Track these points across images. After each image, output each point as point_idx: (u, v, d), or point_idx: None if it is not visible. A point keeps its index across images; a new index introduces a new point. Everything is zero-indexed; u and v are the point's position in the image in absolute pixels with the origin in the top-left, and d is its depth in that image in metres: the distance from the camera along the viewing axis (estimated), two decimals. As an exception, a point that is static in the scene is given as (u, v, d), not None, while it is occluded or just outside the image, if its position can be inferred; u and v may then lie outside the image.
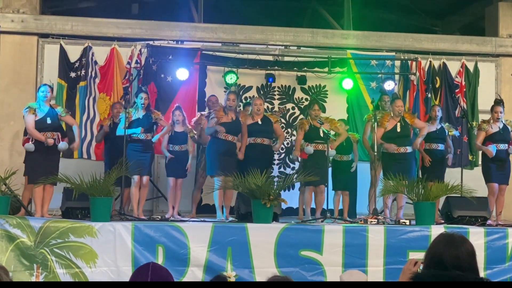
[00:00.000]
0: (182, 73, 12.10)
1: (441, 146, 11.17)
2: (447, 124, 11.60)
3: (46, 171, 9.53)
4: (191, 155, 10.75)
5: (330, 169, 11.16)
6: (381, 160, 10.84)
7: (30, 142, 9.79)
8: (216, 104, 11.38)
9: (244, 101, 12.53)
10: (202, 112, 11.49)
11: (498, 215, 10.72)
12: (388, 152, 10.68)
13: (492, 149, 10.63)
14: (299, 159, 11.18)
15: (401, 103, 10.94)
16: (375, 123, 10.61)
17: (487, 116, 11.31)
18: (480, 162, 12.71)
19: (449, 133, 11.31)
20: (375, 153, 10.65)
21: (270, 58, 12.90)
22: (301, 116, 12.74)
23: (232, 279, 8.49)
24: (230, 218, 10.14)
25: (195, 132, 10.98)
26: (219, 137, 10.31)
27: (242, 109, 11.38)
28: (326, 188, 10.50)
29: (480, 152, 11.33)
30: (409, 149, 10.69)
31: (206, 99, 12.17)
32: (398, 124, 10.71)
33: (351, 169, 11.27)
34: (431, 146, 11.11)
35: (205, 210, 11.77)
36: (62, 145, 9.85)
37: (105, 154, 11.28)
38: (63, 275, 8.47)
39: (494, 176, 10.71)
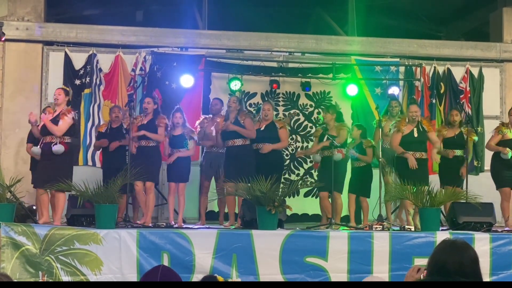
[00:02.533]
0: (186, 80, 12.11)
1: (458, 152, 10.91)
2: (467, 128, 11.08)
3: (51, 177, 9.49)
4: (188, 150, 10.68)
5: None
6: (395, 166, 10.77)
7: (38, 147, 9.82)
8: (219, 107, 11.31)
9: (248, 107, 12.55)
10: (206, 116, 11.45)
11: (507, 220, 10.67)
12: (403, 158, 10.52)
13: (504, 156, 10.59)
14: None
15: (415, 109, 10.59)
16: (380, 128, 10.60)
17: (491, 122, 11.27)
18: (485, 168, 12.73)
19: (469, 138, 10.93)
20: (381, 159, 10.62)
21: (274, 64, 12.92)
22: (306, 123, 12.79)
23: (237, 286, 8.48)
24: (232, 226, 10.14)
25: (194, 136, 10.86)
26: (226, 144, 10.33)
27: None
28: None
29: (491, 156, 11.10)
30: (424, 155, 10.54)
31: (210, 104, 12.02)
32: (415, 129, 10.49)
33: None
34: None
35: (209, 217, 11.76)
36: (56, 147, 9.60)
37: (103, 160, 11.21)
38: (69, 283, 8.48)
39: (505, 180, 10.65)
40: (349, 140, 11.02)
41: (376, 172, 11.25)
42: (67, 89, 10.16)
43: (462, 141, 10.91)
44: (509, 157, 10.53)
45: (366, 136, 11.30)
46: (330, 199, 10.59)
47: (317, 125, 12.35)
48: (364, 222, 10.96)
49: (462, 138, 10.92)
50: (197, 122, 11.31)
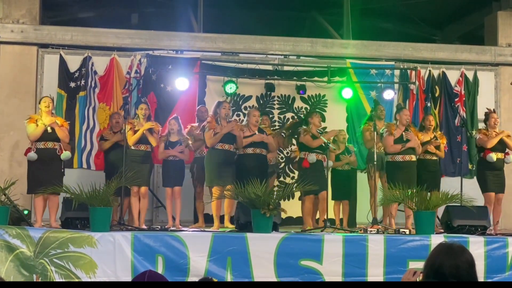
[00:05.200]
0: (181, 83, 12.12)
1: (435, 156, 11.12)
2: (439, 132, 11.50)
3: (46, 181, 9.52)
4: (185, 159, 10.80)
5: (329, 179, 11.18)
6: (385, 169, 10.89)
7: (32, 152, 9.84)
8: (206, 114, 11.36)
9: (244, 111, 12.56)
10: (193, 124, 11.45)
11: (496, 224, 10.70)
12: (392, 161, 10.66)
13: (490, 158, 10.72)
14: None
15: (408, 112, 10.97)
16: (375, 132, 10.62)
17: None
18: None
19: (441, 141, 11.22)
20: (375, 162, 10.65)
21: (269, 67, 12.93)
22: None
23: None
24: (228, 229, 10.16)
25: (191, 142, 10.95)
26: (215, 147, 10.34)
27: (236, 118, 11.40)
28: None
29: (477, 161, 11.25)
30: (414, 157, 10.68)
31: (196, 110, 12.05)
32: (404, 133, 10.67)
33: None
34: (425, 156, 11.04)
35: (205, 220, 11.75)
36: (65, 154, 9.93)
37: (105, 165, 11.28)
38: (63, 285, 8.46)
39: (490, 185, 10.75)
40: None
41: (363, 176, 11.38)
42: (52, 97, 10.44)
43: (437, 146, 11.15)
44: (495, 160, 10.66)
45: (351, 141, 11.55)
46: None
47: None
48: (343, 226, 11.17)
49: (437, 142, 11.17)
50: (185, 131, 11.26)
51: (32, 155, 9.83)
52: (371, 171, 11.03)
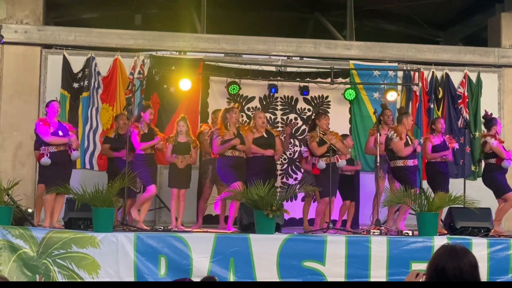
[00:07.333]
0: (184, 84, 12.12)
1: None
2: (447, 136, 11.54)
3: (59, 181, 9.49)
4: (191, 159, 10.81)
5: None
6: (391, 173, 10.91)
7: (46, 157, 9.80)
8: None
9: (247, 112, 12.56)
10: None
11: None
12: (394, 166, 10.67)
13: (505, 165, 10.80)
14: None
15: (412, 118, 11.01)
16: (379, 135, 10.63)
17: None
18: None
19: (449, 145, 11.25)
20: (378, 164, 10.66)
21: (272, 68, 12.92)
22: (304, 127, 12.77)
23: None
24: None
25: (198, 143, 10.97)
26: (226, 154, 10.35)
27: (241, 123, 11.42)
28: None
29: (484, 167, 11.24)
30: (414, 161, 10.72)
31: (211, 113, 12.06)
32: (407, 137, 10.72)
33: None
34: (435, 158, 11.08)
35: (208, 221, 11.76)
36: (75, 154, 9.97)
37: (109, 166, 11.29)
38: (66, 286, 8.48)
39: (507, 185, 10.78)
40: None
41: (370, 178, 11.37)
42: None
43: (446, 148, 11.20)
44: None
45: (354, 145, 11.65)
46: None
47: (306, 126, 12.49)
48: (347, 227, 11.18)
49: (446, 145, 11.22)
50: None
51: (46, 160, 9.82)
52: (378, 172, 11.04)
